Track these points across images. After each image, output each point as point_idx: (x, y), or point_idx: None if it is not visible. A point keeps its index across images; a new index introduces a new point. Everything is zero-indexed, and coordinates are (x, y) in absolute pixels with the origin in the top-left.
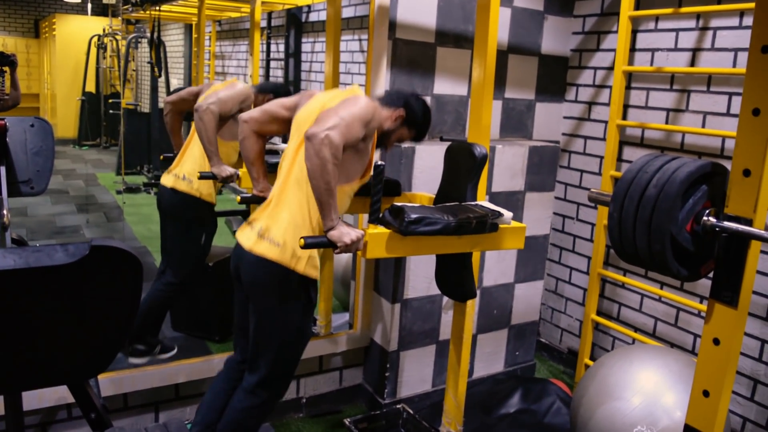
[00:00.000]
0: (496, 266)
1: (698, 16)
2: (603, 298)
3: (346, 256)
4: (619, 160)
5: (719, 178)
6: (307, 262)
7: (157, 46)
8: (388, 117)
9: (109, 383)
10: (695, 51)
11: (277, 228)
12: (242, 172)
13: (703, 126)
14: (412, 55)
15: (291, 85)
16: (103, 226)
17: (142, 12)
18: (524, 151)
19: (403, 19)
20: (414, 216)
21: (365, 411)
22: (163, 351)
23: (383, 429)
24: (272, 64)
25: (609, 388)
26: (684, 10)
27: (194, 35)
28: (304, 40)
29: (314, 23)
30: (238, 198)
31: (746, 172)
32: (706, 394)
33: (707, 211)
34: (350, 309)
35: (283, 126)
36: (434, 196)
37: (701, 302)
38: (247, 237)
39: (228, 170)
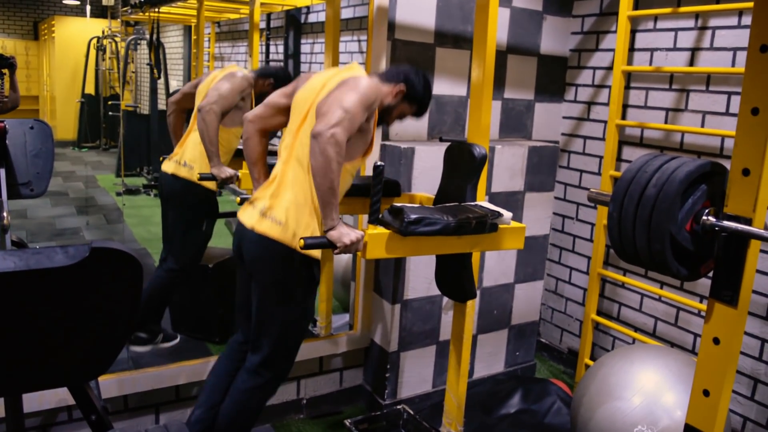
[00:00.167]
0: (496, 266)
1: (697, 15)
2: (603, 297)
3: (346, 257)
4: (619, 159)
5: (718, 177)
6: None
7: (157, 47)
8: (388, 93)
9: (109, 385)
10: (694, 50)
11: (279, 207)
12: (242, 173)
13: (703, 125)
14: (411, 55)
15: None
16: (103, 228)
17: (141, 14)
18: (524, 152)
19: (402, 19)
20: (414, 216)
21: (366, 412)
22: (166, 340)
23: (384, 430)
24: (271, 65)
25: (609, 387)
26: (683, 9)
27: (193, 37)
28: (303, 41)
29: (313, 24)
30: (238, 199)
31: (745, 172)
32: (706, 393)
33: (707, 211)
34: (350, 310)
35: (287, 116)
36: (434, 197)
37: (701, 302)
38: (249, 216)
39: (227, 171)
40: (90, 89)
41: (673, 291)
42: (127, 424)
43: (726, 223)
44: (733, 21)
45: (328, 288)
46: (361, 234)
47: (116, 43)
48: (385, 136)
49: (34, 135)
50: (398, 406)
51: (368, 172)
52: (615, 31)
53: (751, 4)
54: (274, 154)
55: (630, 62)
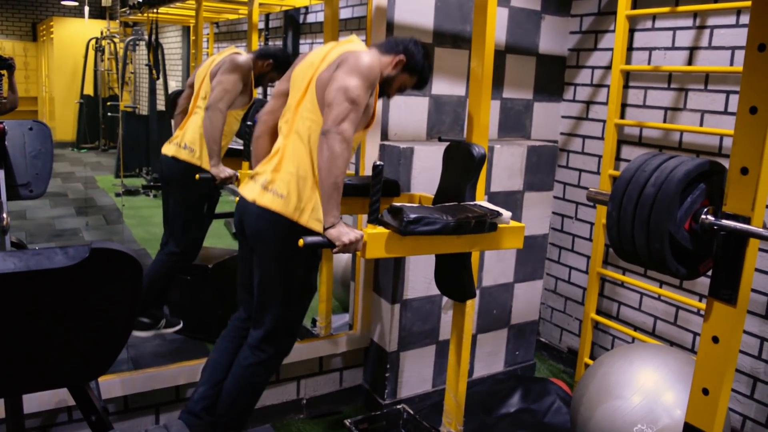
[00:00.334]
0: (495, 266)
1: (695, 14)
2: (602, 297)
3: (345, 257)
4: (618, 159)
5: (717, 176)
6: (310, 215)
7: (155, 48)
8: (388, 63)
9: (109, 385)
10: (692, 50)
11: (280, 180)
12: (241, 173)
13: (701, 124)
14: None
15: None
16: (102, 229)
17: (139, 15)
18: (523, 151)
19: (400, 19)
20: (413, 216)
21: (365, 412)
22: (168, 326)
23: (384, 429)
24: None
25: (609, 387)
26: (681, 8)
27: (192, 37)
28: (302, 41)
29: (312, 24)
30: (237, 199)
31: (744, 170)
32: (705, 392)
33: (705, 210)
34: (350, 310)
35: None
36: (433, 197)
37: (700, 300)
38: (250, 189)
39: (226, 171)
40: (89, 90)
41: (673, 290)
42: (128, 424)
43: (725, 221)
44: (731, 20)
45: (327, 288)
46: (360, 234)
47: (115, 44)
48: (384, 136)
49: (33, 136)
50: (398, 406)
51: (368, 171)
52: (613, 31)
53: (749, 3)
54: None
55: (628, 61)
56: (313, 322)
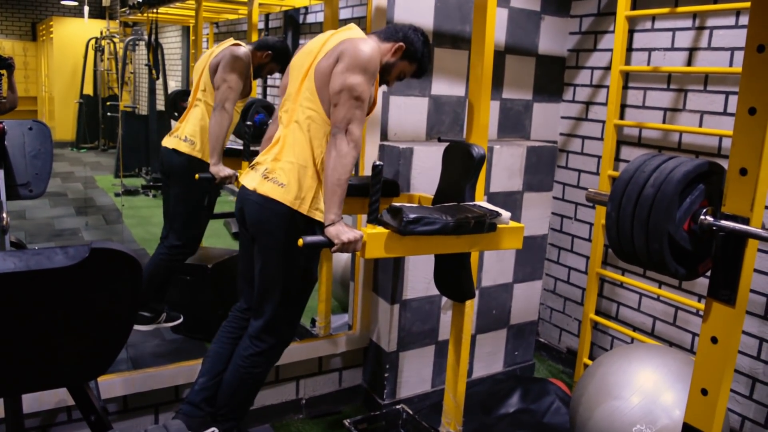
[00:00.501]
0: (494, 266)
1: (695, 15)
2: (602, 297)
3: (345, 257)
4: (617, 159)
5: (716, 177)
6: (310, 204)
7: (155, 48)
8: (387, 51)
9: (109, 385)
10: (692, 50)
11: (281, 169)
12: (240, 173)
13: (700, 125)
14: None
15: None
16: (102, 229)
17: (139, 14)
18: (522, 151)
19: (400, 20)
20: (412, 216)
21: (365, 412)
22: (169, 320)
23: (383, 429)
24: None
25: (608, 387)
26: (680, 9)
27: (192, 37)
28: (301, 41)
29: (312, 24)
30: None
31: (743, 171)
32: (704, 392)
33: (704, 210)
34: (349, 310)
35: None
36: (433, 197)
37: (699, 301)
38: (251, 179)
39: (226, 171)
40: (88, 90)
41: (672, 290)
42: (127, 424)
43: (724, 222)
44: (730, 21)
45: (327, 288)
46: (359, 234)
47: (114, 43)
48: (384, 137)
49: (32, 136)
50: (397, 406)
51: (367, 171)
52: (613, 31)
53: (748, 4)
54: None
55: (628, 62)
56: (313, 322)
